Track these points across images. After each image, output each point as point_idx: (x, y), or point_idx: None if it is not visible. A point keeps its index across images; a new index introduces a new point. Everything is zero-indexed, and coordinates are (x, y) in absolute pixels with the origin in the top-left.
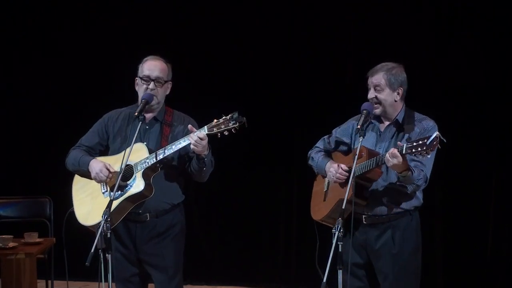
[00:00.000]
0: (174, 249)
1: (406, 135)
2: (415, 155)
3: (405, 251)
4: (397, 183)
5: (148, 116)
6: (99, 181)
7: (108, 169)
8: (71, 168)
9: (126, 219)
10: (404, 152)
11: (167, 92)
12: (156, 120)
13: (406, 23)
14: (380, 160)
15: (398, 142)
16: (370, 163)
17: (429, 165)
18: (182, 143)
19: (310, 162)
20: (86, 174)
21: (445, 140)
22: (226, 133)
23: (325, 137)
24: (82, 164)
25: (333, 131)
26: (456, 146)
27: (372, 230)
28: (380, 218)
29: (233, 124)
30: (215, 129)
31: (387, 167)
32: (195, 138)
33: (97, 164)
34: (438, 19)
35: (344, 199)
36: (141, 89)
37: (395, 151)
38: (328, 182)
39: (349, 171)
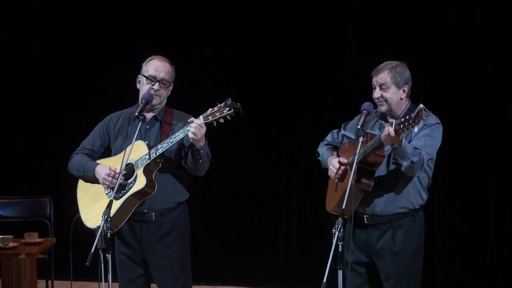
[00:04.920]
0: (179, 248)
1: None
2: (403, 130)
3: (407, 251)
4: (392, 161)
5: (149, 115)
6: (108, 186)
7: (115, 172)
8: (75, 174)
9: (131, 219)
10: (393, 128)
11: (169, 94)
12: (156, 119)
13: (406, 22)
14: (378, 140)
15: (391, 121)
16: (370, 145)
17: (430, 146)
18: (179, 136)
19: (318, 156)
20: (92, 180)
21: (426, 110)
22: (222, 120)
23: (334, 131)
24: (87, 170)
25: (342, 125)
26: (456, 146)
27: (374, 231)
28: (382, 218)
29: (227, 111)
30: (210, 117)
31: (387, 162)
32: (195, 125)
33: (103, 169)
34: (438, 18)
35: (351, 186)
36: (144, 88)
37: (390, 129)
38: None
39: (347, 163)
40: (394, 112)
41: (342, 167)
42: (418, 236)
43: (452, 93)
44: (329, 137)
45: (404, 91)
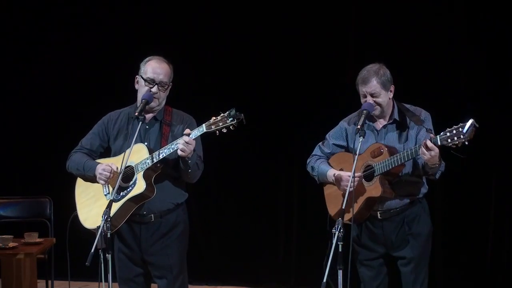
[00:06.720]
0: (178, 248)
1: (416, 128)
2: (452, 145)
3: (422, 234)
4: (423, 175)
5: (148, 116)
6: (103, 180)
7: (111, 167)
8: (75, 173)
9: (130, 220)
10: (439, 143)
11: (167, 94)
12: (156, 120)
13: (406, 23)
14: (403, 158)
15: (431, 135)
16: (394, 161)
17: None
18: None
19: (310, 171)
20: (92, 179)
21: (477, 125)
22: (224, 130)
23: (320, 144)
24: (88, 169)
25: (327, 136)
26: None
27: (388, 224)
28: (394, 211)
29: (231, 121)
30: (213, 126)
31: None
32: (183, 142)
33: (101, 166)
34: (438, 18)
35: (372, 196)
36: (142, 89)
37: (431, 144)
38: None
39: (360, 175)
40: (385, 113)
41: (357, 179)
42: (429, 220)
43: (452, 93)
44: (317, 151)
45: (391, 91)
